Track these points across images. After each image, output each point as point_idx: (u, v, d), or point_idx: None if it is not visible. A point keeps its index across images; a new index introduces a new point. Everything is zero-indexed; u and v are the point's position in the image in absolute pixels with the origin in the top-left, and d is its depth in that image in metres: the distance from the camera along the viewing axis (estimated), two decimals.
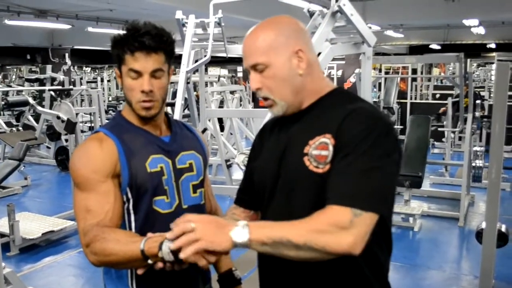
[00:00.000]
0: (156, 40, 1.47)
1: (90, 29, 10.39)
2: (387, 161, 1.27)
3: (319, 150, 1.31)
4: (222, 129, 8.17)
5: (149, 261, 1.33)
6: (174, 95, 3.83)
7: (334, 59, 5.29)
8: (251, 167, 1.57)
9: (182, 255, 1.20)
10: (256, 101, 11.89)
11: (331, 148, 1.29)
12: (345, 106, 1.34)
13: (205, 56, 3.87)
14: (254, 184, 1.54)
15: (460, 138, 9.24)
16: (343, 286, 1.37)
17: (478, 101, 6.91)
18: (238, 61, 20.79)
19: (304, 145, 1.34)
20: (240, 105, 9.25)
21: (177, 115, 3.59)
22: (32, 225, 5.18)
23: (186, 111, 6.47)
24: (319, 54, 3.39)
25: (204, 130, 4.48)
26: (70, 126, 6.66)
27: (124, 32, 1.49)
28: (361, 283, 1.37)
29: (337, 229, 1.18)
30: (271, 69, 1.36)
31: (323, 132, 1.32)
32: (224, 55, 4.26)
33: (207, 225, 1.22)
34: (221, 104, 9.53)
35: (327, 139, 1.31)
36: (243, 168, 4.12)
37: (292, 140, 1.40)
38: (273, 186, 1.43)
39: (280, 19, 1.41)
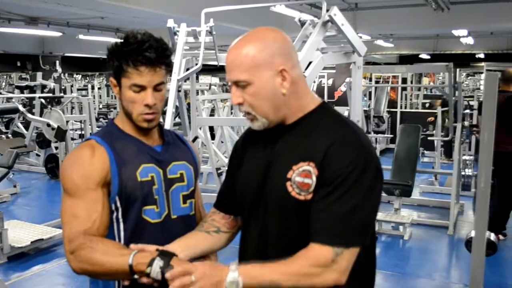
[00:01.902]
0: (160, 54, 1.47)
1: (81, 36, 10.36)
2: (370, 196, 1.32)
3: (302, 178, 1.33)
4: (213, 137, 8.16)
5: (135, 276, 1.34)
6: (165, 103, 3.82)
7: (325, 68, 5.31)
8: (234, 175, 1.57)
9: None
10: None
11: (314, 178, 1.32)
12: (329, 132, 1.36)
13: (196, 64, 3.87)
14: (235, 191, 1.55)
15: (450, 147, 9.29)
16: None
17: (467, 111, 6.96)
18: None
19: (287, 170, 1.36)
20: (231, 113, 9.25)
21: (168, 123, 3.59)
22: (21, 233, 5.14)
23: (177, 119, 6.46)
24: (310, 63, 3.41)
25: (195, 139, 4.47)
26: (60, 134, 6.62)
27: (122, 41, 1.48)
28: None
29: (320, 269, 1.27)
30: (253, 87, 1.35)
31: (306, 159, 1.34)
32: (215, 63, 4.27)
33: (205, 278, 1.26)
34: (212, 112, 9.52)
35: (311, 168, 1.33)
36: None
37: (275, 160, 1.41)
38: (255, 202, 1.44)
39: (265, 33, 1.38)
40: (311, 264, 1.27)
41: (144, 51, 1.44)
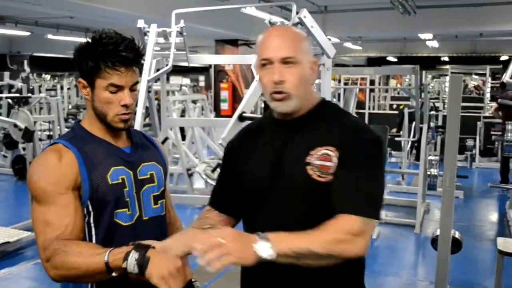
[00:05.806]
0: (136, 54, 1.48)
1: (50, 36, 10.21)
2: (381, 172, 1.45)
3: (322, 161, 1.40)
4: (183, 138, 8.14)
5: (114, 274, 1.32)
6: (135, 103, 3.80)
7: None
8: (239, 171, 1.57)
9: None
10: (217, 110, 11.86)
11: (335, 159, 1.40)
12: (340, 120, 1.49)
13: (166, 65, 3.87)
14: (241, 187, 1.55)
15: (416, 148, 9.46)
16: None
17: (433, 112, 7.13)
18: (200, 70, 20.71)
19: (305, 155, 1.42)
20: (202, 114, 9.24)
21: (138, 124, 3.58)
22: None
23: (147, 120, 6.44)
24: None
25: (165, 139, 4.47)
26: (28, 135, 6.50)
27: (95, 41, 1.46)
28: (345, 285, 1.51)
29: (351, 236, 1.31)
30: (299, 67, 1.43)
31: (324, 144, 1.42)
32: (186, 64, 4.27)
33: (234, 240, 1.24)
34: (183, 113, 9.49)
35: (330, 151, 1.41)
36: (204, 177, 4.13)
37: (289, 148, 1.46)
38: (268, 191, 1.47)
39: (300, 31, 1.54)
40: (343, 231, 1.31)
41: (122, 51, 1.44)
